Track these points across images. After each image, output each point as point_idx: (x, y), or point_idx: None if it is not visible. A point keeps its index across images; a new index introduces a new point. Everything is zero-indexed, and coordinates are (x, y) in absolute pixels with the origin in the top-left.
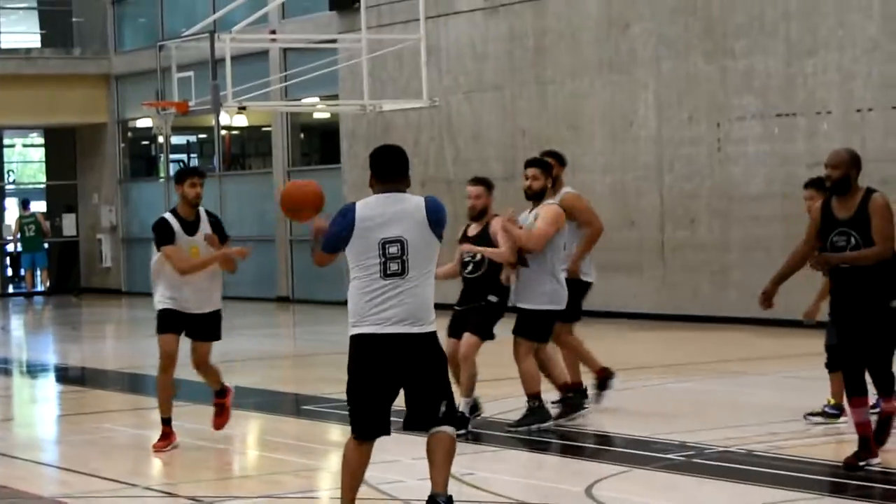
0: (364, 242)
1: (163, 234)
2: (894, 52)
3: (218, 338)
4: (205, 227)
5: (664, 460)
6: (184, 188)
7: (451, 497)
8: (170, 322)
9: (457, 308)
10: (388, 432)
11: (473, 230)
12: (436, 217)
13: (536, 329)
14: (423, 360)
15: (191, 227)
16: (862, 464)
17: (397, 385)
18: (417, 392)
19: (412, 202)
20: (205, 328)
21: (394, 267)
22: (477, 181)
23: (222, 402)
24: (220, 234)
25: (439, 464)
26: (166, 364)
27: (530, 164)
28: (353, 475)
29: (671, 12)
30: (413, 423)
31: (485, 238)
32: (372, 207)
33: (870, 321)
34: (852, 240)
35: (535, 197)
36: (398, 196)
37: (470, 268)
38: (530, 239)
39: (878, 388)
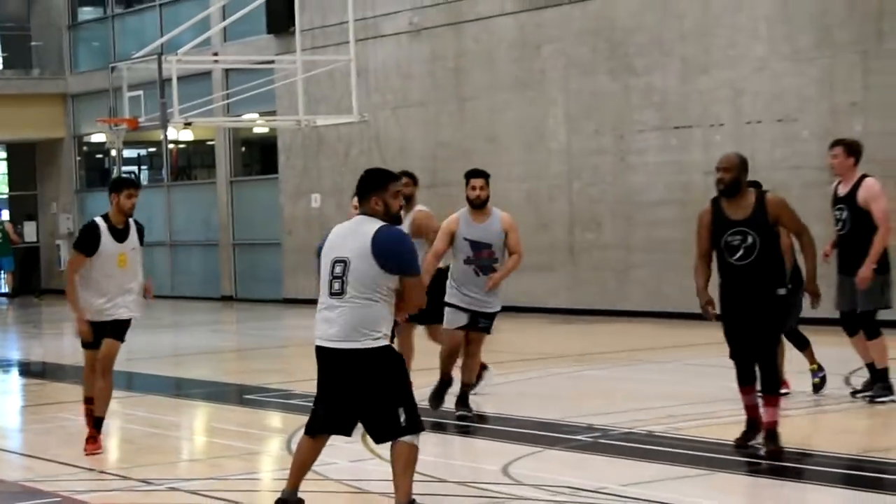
0: (326, 259)
1: (85, 239)
2: (780, 71)
3: (123, 340)
4: (133, 235)
5: (574, 441)
6: (120, 198)
7: (413, 501)
8: (94, 336)
9: None
10: (327, 431)
11: None
12: (379, 249)
13: None
14: (368, 373)
15: (121, 235)
16: (750, 443)
17: (346, 394)
18: (369, 404)
19: (367, 228)
20: (115, 330)
21: (336, 286)
22: None
23: (97, 435)
24: (141, 240)
25: (399, 475)
26: (91, 372)
27: (476, 175)
28: (300, 462)
29: (578, 34)
30: (373, 435)
31: None
32: (338, 228)
33: (759, 309)
34: (749, 238)
35: (482, 205)
36: (363, 220)
37: None
38: (520, 259)
39: (764, 385)
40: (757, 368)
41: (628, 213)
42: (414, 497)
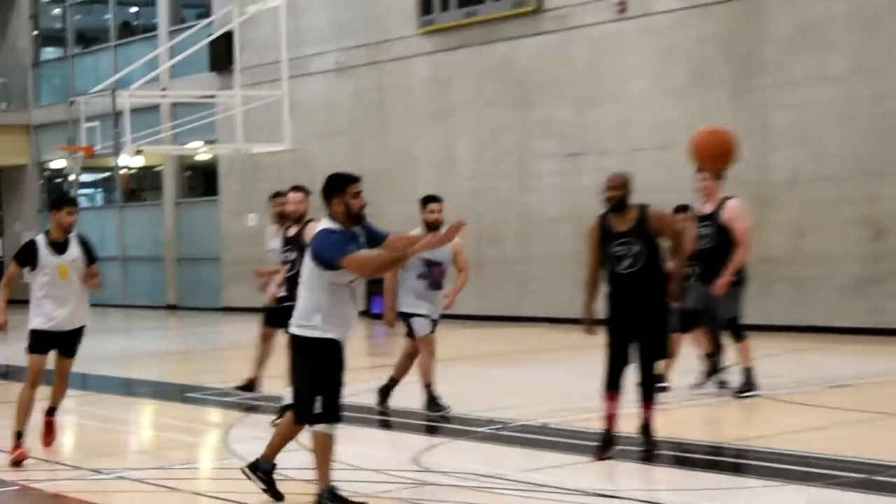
0: None
1: (22, 252)
2: (661, 105)
3: (75, 353)
4: (73, 248)
5: (477, 433)
6: (61, 215)
7: (328, 490)
8: (42, 342)
9: (285, 304)
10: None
11: (293, 231)
12: (311, 245)
13: None
14: (298, 357)
15: (60, 248)
16: (607, 456)
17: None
18: (295, 387)
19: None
20: (70, 344)
21: None
22: (297, 188)
23: (52, 420)
24: (90, 255)
25: (316, 462)
26: (35, 380)
27: (434, 199)
28: (278, 433)
29: (485, 73)
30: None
31: (301, 239)
32: None
33: (646, 317)
34: (633, 247)
35: (438, 228)
36: (321, 223)
37: (289, 266)
38: (467, 275)
39: (643, 391)
40: (639, 373)
41: (527, 231)
42: (333, 483)
